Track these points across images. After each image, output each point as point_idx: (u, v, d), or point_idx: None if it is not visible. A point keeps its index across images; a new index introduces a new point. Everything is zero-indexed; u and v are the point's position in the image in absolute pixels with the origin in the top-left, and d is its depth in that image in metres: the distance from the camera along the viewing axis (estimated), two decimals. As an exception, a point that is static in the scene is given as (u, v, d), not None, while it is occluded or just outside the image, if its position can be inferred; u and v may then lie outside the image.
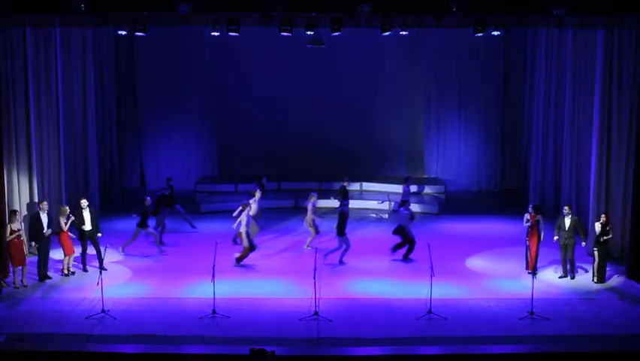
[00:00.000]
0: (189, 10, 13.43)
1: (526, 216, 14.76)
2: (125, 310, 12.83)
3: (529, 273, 14.36)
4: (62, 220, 14.63)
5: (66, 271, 14.78)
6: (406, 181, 19.47)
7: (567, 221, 14.37)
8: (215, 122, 23.33)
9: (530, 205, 15.12)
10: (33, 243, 14.45)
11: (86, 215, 14.88)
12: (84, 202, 15.08)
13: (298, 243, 17.16)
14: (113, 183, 21.77)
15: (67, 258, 14.79)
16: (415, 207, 18.19)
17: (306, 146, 22.85)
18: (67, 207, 14.87)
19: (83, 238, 14.92)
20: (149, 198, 16.43)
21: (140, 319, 12.51)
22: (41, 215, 14.35)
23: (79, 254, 15.07)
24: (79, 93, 18.88)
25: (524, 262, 14.80)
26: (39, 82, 16.43)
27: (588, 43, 16.74)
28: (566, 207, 14.58)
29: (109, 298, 12.90)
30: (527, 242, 14.66)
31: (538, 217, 14.64)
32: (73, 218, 14.75)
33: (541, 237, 14.63)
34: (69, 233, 14.71)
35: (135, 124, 23.25)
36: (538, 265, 14.79)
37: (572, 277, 14.53)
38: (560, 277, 14.63)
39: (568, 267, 14.59)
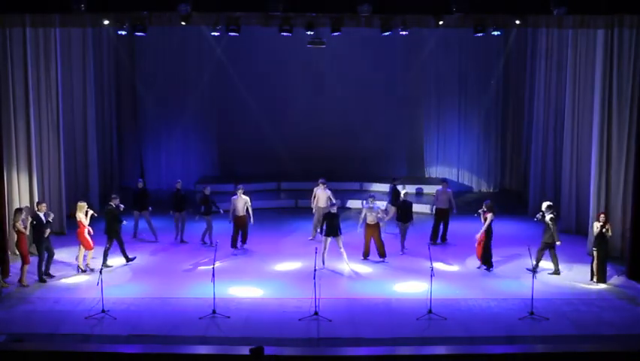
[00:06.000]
0: (189, 10, 13.42)
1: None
2: (125, 310, 12.81)
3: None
4: (81, 216, 14.62)
5: (83, 268, 14.76)
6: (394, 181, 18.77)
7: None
8: (215, 122, 23.35)
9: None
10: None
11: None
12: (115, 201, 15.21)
13: (298, 243, 17.16)
14: (113, 183, 21.77)
15: (82, 253, 14.71)
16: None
17: (306, 145, 22.84)
18: (85, 203, 14.92)
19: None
20: (209, 187, 17.03)
21: (140, 319, 12.50)
22: (40, 216, 14.30)
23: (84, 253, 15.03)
24: (79, 93, 18.88)
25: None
26: (39, 82, 16.43)
27: (588, 43, 16.75)
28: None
29: (109, 298, 12.89)
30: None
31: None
32: (92, 212, 14.82)
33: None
34: (88, 229, 14.70)
35: (135, 124, 23.25)
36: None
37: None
38: (549, 274, 14.70)
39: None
